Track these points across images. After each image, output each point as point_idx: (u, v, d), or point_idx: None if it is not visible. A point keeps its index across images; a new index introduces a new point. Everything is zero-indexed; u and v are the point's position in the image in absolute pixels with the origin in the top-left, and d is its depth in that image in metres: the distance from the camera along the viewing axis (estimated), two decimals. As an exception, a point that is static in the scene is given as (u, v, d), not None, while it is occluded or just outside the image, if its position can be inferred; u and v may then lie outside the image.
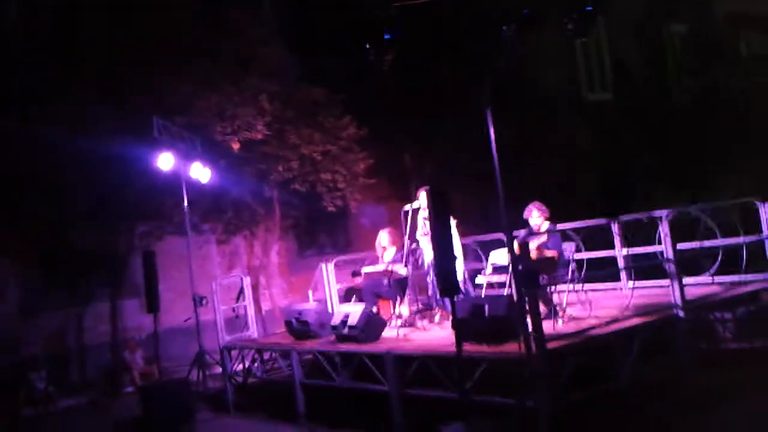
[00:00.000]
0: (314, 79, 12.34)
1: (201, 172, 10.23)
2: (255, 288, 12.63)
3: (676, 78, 17.58)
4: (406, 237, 8.54)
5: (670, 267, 7.05)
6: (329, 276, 10.21)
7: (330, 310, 9.40)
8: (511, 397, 5.90)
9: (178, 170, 10.12)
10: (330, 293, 10.09)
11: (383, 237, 9.34)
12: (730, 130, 15.55)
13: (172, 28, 11.06)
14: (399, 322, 8.43)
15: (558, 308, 7.32)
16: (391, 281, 8.70)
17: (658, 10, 17.71)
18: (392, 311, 8.73)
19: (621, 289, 9.21)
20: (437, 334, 7.97)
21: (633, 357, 6.47)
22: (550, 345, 5.91)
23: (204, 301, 10.12)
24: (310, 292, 11.10)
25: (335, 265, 10.32)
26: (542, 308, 6.35)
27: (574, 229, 8.78)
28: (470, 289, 8.92)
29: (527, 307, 5.79)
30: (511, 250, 5.84)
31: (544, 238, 7.67)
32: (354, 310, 7.98)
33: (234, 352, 9.84)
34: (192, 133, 10.35)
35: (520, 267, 5.71)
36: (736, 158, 15.70)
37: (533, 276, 5.84)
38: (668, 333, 7.08)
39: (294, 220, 13.90)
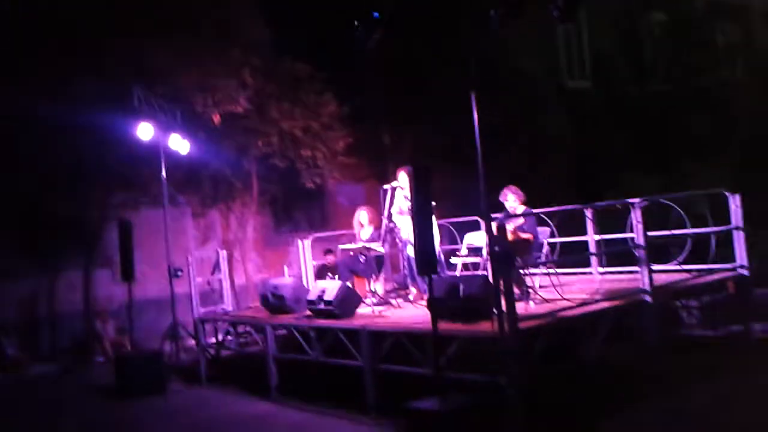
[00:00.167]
0: (296, 54, 12.30)
1: (180, 144, 10.19)
2: (229, 262, 12.67)
3: (654, 67, 17.75)
4: (385, 216, 8.63)
5: (641, 253, 7.21)
6: (306, 252, 10.29)
7: (305, 285, 9.48)
8: (484, 374, 6.03)
9: (157, 141, 10.08)
10: (306, 270, 10.18)
11: (362, 215, 9.41)
12: (706, 120, 15.80)
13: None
14: (374, 299, 8.53)
15: (530, 290, 7.47)
16: (368, 258, 8.79)
17: (638, -2, 17.86)
18: (367, 289, 8.83)
19: (591, 273, 9.41)
20: (412, 312, 8.09)
21: (601, 338, 6.65)
22: (523, 325, 6.04)
23: (179, 273, 10.12)
24: (285, 268, 11.18)
25: (312, 242, 10.39)
26: (515, 290, 6.49)
27: (548, 214, 8.93)
28: (444, 269, 9.04)
29: (502, 288, 5.91)
30: (489, 232, 5.94)
31: (520, 221, 7.80)
32: (330, 286, 8.06)
33: (208, 325, 9.88)
34: (172, 104, 10.29)
35: (497, 248, 5.82)
36: (710, 148, 16.00)
37: (509, 258, 5.96)
38: (636, 318, 7.28)
39: (271, 195, 13.92)
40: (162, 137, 10.02)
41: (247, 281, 13.76)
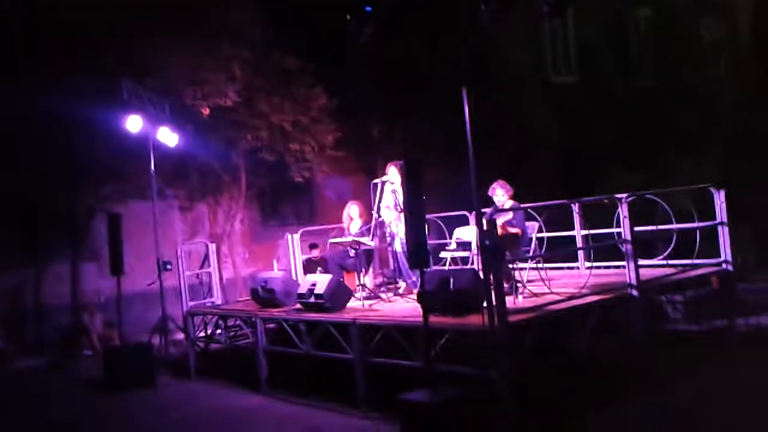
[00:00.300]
0: (286, 47, 12.29)
1: (169, 137, 10.16)
2: (217, 256, 12.66)
3: (639, 62, 17.89)
4: (375, 210, 8.68)
5: (627, 248, 7.31)
6: (294, 246, 10.31)
7: (295, 279, 9.51)
8: (474, 367, 6.10)
9: (146, 134, 10.04)
10: (295, 263, 10.21)
11: (352, 209, 9.46)
12: (691, 116, 15.96)
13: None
14: (364, 293, 8.58)
15: (519, 284, 7.55)
16: (358, 252, 8.84)
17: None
18: (357, 283, 8.88)
19: (578, 268, 9.51)
20: (402, 305, 8.14)
21: (588, 332, 6.74)
22: (512, 318, 6.12)
23: (169, 267, 10.11)
24: (274, 262, 11.22)
25: (301, 236, 10.42)
26: (504, 284, 6.56)
27: (536, 209, 9.01)
28: (431, 263, 9.09)
29: (492, 281, 5.98)
30: (480, 226, 6.01)
31: (509, 215, 7.88)
32: (321, 280, 8.09)
33: (197, 318, 9.89)
34: (161, 97, 10.26)
35: (487, 242, 5.89)
36: (694, 143, 16.17)
37: (499, 251, 6.03)
38: (623, 312, 7.39)
39: (259, 189, 13.91)
40: (151, 130, 9.98)
41: (235, 275, 13.77)
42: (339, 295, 8.03)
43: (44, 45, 10.64)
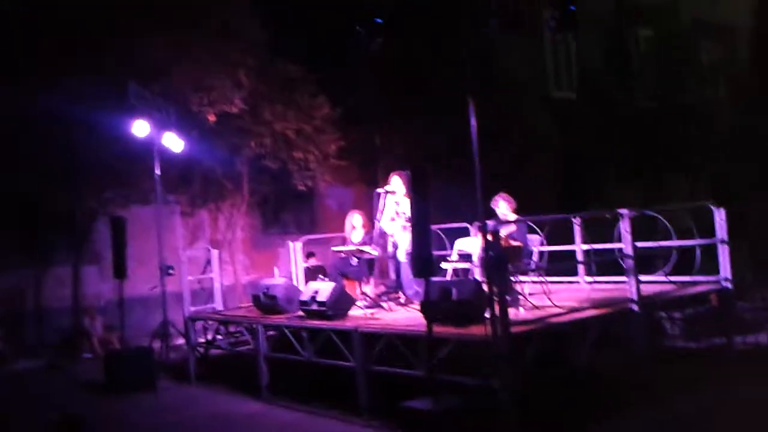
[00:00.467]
0: (290, 55, 12.38)
1: (174, 142, 10.22)
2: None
3: (639, 81, 18.05)
4: (378, 219, 8.75)
5: (629, 263, 7.39)
6: (296, 254, 10.38)
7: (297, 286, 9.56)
8: (477, 378, 6.16)
9: (151, 139, 10.11)
10: (297, 271, 10.27)
11: (355, 218, 9.51)
12: (688, 136, 16.10)
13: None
14: (365, 302, 8.63)
15: (520, 296, 7.62)
16: (360, 261, 8.90)
17: (626, 13, 18.15)
18: (358, 291, 8.93)
19: (578, 282, 9.57)
20: (403, 315, 8.19)
21: (589, 345, 6.81)
22: (514, 329, 6.19)
23: (171, 271, 10.16)
24: (276, 269, 11.27)
25: (303, 244, 10.49)
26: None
27: (538, 222, 9.08)
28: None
29: (495, 292, 6.05)
30: (485, 238, 6.08)
31: (512, 228, 7.95)
32: (324, 287, 8.15)
33: (198, 323, 9.92)
34: (167, 102, 10.33)
35: (491, 254, 5.96)
36: (691, 163, 16.32)
37: (503, 263, 6.11)
38: (623, 327, 7.46)
39: (261, 197, 13.97)
40: (156, 135, 10.05)
41: (236, 282, 13.80)
42: (341, 303, 8.08)
43: (47, 45, 10.68)
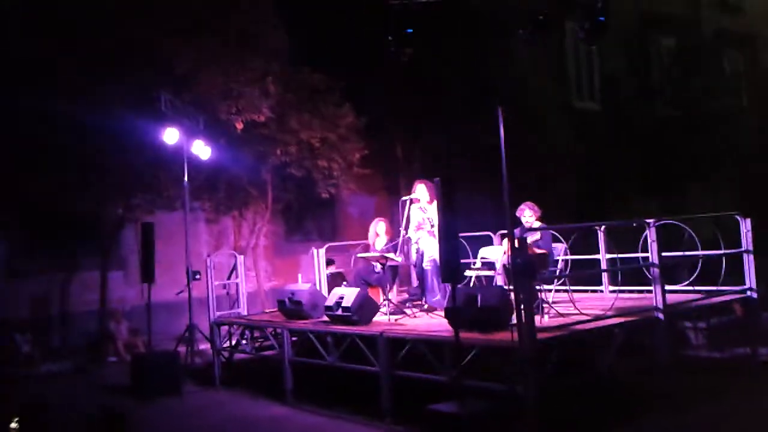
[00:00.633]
0: (315, 64, 12.53)
1: (202, 150, 10.39)
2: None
3: (661, 91, 18.05)
4: (402, 227, 8.84)
5: (655, 272, 7.41)
6: (320, 261, 10.47)
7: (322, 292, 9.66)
8: (502, 383, 6.21)
9: (179, 146, 10.28)
10: (320, 278, 10.36)
11: (379, 225, 9.62)
12: (710, 145, 16.06)
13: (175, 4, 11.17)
14: (389, 308, 8.71)
15: (545, 304, 7.66)
16: (384, 268, 8.99)
17: (648, 23, 18.17)
18: (381, 298, 9.01)
19: (602, 292, 9.59)
20: (426, 321, 8.26)
21: (613, 352, 6.84)
22: (540, 336, 6.23)
23: (198, 276, 10.29)
24: (299, 275, 11.38)
25: (326, 251, 10.59)
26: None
27: (561, 231, 9.12)
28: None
29: (521, 299, 6.11)
30: (512, 245, 6.15)
31: (537, 236, 8.01)
32: (349, 293, 8.23)
33: (223, 328, 10.04)
34: (197, 110, 10.50)
35: (519, 261, 6.02)
36: (713, 173, 16.27)
37: (530, 270, 6.16)
38: (647, 335, 7.47)
39: (285, 204, 14.10)
40: (185, 142, 10.22)
41: (258, 288, 13.92)
42: (366, 308, 8.16)
43: (78, 53, 10.87)
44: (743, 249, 8.38)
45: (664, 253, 7.56)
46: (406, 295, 10.01)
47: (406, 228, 8.93)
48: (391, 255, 8.97)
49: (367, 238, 9.92)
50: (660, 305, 7.34)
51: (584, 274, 9.57)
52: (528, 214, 8.37)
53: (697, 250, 8.64)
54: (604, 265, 9.43)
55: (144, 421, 8.48)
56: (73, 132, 11.08)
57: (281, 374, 8.67)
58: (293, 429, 7.76)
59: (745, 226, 8.40)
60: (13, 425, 6.75)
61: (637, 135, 16.51)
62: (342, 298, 8.21)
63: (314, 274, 10.50)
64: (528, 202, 8.46)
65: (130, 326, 12.70)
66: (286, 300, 9.11)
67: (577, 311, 7.52)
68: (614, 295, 8.62)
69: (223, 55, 11.14)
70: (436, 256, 8.60)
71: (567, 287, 8.18)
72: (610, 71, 17.78)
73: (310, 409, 8.22)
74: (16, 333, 11.58)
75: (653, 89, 17.99)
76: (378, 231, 9.64)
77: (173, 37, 10.92)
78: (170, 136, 9.95)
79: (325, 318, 8.50)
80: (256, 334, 9.79)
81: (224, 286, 10.83)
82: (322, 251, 10.53)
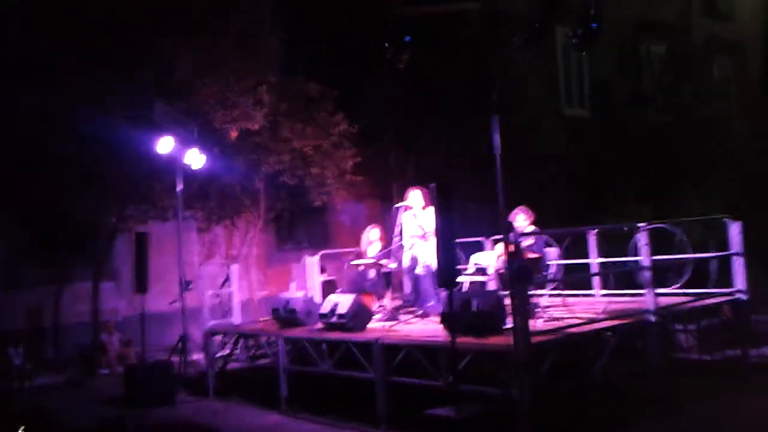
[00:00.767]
0: (308, 72, 12.58)
1: (196, 159, 10.38)
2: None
3: (652, 97, 18.20)
4: (396, 233, 8.88)
5: (646, 275, 7.48)
6: (313, 269, 10.50)
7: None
8: (497, 387, 6.24)
9: (173, 155, 10.27)
10: (314, 285, 10.38)
11: (372, 232, 9.66)
12: (702, 150, 16.20)
13: (173, 10, 11.16)
14: (383, 314, 8.74)
15: (538, 308, 7.72)
16: (378, 275, 9.02)
17: (639, 29, 18.32)
18: (375, 305, 9.03)
19: (593, 295, 9.66)
20: (421, 327, 8.29)
21: (606, 355, 6.89)
22: (535, 339, 6.28)
23: (190, 286, 10.28)
24: (293, 284, 11.39)
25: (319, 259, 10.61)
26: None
27: (554, 235, 9.19)
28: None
29: (516, 303, 6.15)
30: (506, 249, 6.20)
31: (531, 240, 8.08)
32: (344, 300, 8.26)
33: (217, 337, 10.03)
34: (190, 119, 10.50)
35: (514, 265, 6.07)
36: (705, 177, 16.39)
37: (526, 273, 6.21)
38: (639, 338, 7.54)
39: (277, 213, 14.11)
40: (179, 152, 10.21)
41: (251, 297, 13.91)
42: (361, 315, 8.19)
43: (69, 61, 10.84)
44: (733, 252, 8.46)
45: (655, 257, 7.64)
46: (399, 302, 10.04)
47: (400, 235, 8.96)
48: (384, 261, 9.01)
49: (358, 246, 9.96)
50: (652, 308, 7.41)
51: (576, 278, 9.62)
52: (521, 219, 8.45)
53: (687, 253, 8.72)
54: (595, 269, 9.50)
55: (140, 430, 8.46)
56: (68, 142, 11.06)
57: (275, 383, 8.67)
58: (289, 436, 7.77)
59: (735, 229, 8.49)
60: None
61: (628, 140, 16.63)
62: (337, 305, 8.24)
63: (306, 282, 10.53)
64: (522, 207, 8.54)
65: (122, 337, 12.65)
66: (281, 308, 9.12)
67: (570, 315, 7.58)
68: (606, 298, 8.70)
69: (221, 59, 11.12)
70: (430, 262, 8.65)
71: (560, 291, 8.23)
72: (601, 78, 17.90)
73: (305, 417, 8.21)
74: (8, 346, 11.49)
75: (644, 95, 18.13)
76: (371, 238, 9.68)
77: (172, 36, 10.86)
78: (165, 145, 9.94)
79: (320, 325, 8.51)
80: (250, 342, 9.78)
81: (217, 296, 10.82)
82: (316, 259, 10.55)
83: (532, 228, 8.38)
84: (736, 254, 8.46)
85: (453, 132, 13.12)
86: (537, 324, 7.38)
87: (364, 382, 7.53)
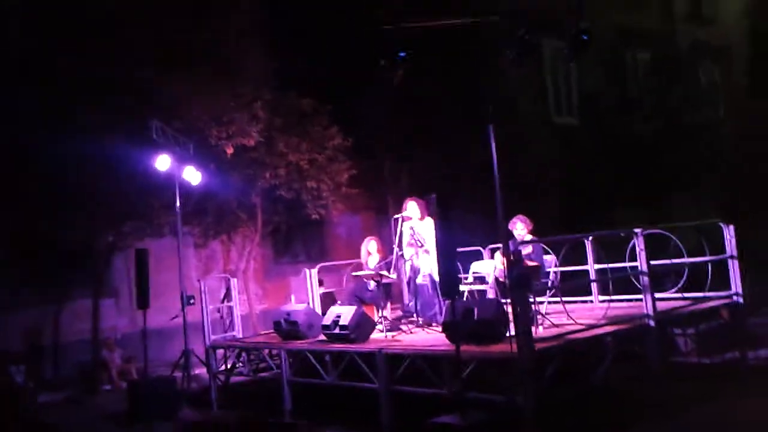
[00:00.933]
0: (302, 87, 12.69)
1: (193, 175, 10.47)
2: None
3: (639, 104, 18.37)
4: (395, 244, 8.97)
5: (644, 280, 7.60)
6: (313, 281, 10.57)
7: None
8: (502, 395, 6.32)
9: (170, 173, 10.35)
10: (313, 298, 10.45)
11: (371, 244, 9.74)
12: (690, 155, 16.38)
13: (167, 28, 11.24)
14: (385, 325, 8.81)
15: (539, 315, 7.81)
16: (378, 285, 9.10)
17: (624, 36, 18.52)
18: (376, 316, 9.11)
19: (592, 301, 9.77)
20: (423, 336, 8.37)
21: (607, 361, 6.99)
22: (538, 346, 6.37)
23: (192, 301, 10.33)
24: (292, 297, 11.44)
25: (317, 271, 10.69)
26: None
27: (551, 244, 9.29)
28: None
29: (518, 310, 6.25)
30: (508, 259, 6.30)
31: (529, 248, 8.18)
32: (346, 311, 8.34)
33: (219, 351, 10.08)
34: (187, 137, 10.59)
35: (514, 273, 6.17)
36: (694, 182, 16.57)
37: (527, 281, 6.31)
38: (639, 343, 7.63)
39: (274, 226, 14.18)
40: (176, 169, 10.30)
41: (250, 311, 13.95)
42: (363, 326, 8.27)
43: (67, 81, 10.90)
44: (728, 255, 8.59)
45: (652, 262, 7.75)
46: (399, 312, 10.13)
47: (399, 245, 9.06)
48: (385, 272, 9.09)
49: (356, 258, 10.05)
50: (651, 313, 7.51)
51: (575, 285, 9.73)
52: (520, 227, 8.56)
53: (682, 257, 8.84)
54: (593, 276, 9.61)
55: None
56: (59, 162, 11.10)
57: (278, 395, 8.72)
58: (294, 448, 7.78)
59: (729, 233, 8.62)
60: None
61: (617, 147, 16.77)
62: (339, 316, 8.31)
63: (305, 294, 10.59)
64: (520, 216, 8.65)
65: (123, 354, 12.66)
66: (282, 321, 9.18)
67: (570, 322, 7.68)
68: (605, 304, 8.80)
69: (213, 84, 11.23)
70: (431, 272, 8.75)
71: (560, 298, 8.33)
72: (588, 86, 18.07)
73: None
74: (10, 365, 11.50)
75: (632, 102, 18.31)
76: (370, 249, 9.76)
77: (164, 65, 10.98)
78: (162, 163, 10.03)
79: (322, 337, 8.58)
80: (252, 356, 9.82)
81: (218, 310, 10.87)
82: (315, 271, 10.63)
83: (530, 237, 8.48)
84: (732, 257, 8.59)
85: (446, 143, 13.24)
86: (538, 331, 7.49)
87: (368, 393, 7.59)
